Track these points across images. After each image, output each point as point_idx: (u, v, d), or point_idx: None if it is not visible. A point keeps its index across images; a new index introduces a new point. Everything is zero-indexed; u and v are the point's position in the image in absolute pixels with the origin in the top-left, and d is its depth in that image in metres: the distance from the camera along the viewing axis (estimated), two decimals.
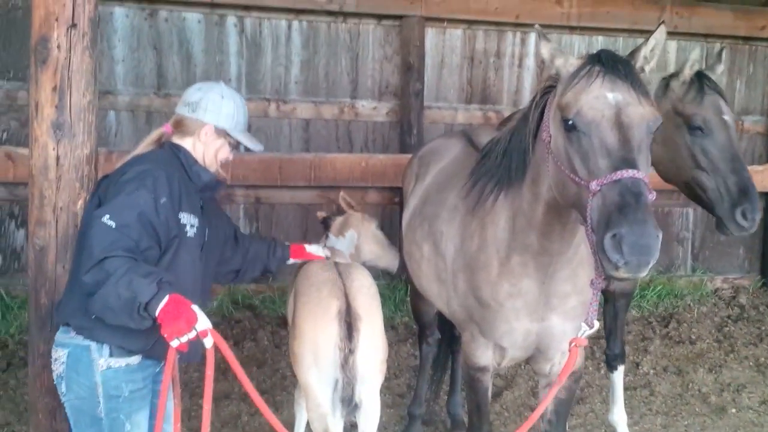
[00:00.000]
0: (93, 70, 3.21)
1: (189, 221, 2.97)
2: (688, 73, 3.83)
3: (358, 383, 3.22)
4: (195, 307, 2.68)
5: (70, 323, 2.85)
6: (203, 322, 2.67)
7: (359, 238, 4.14)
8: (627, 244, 2.32)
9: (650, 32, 2.81)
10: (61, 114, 3.13)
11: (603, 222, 2.42)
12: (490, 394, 3.58)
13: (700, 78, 3.83)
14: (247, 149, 3.35)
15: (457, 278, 3.45)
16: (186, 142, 3.15)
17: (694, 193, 3.86)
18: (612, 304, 4.72)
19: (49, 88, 3.12)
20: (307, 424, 3.86)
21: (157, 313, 2.59)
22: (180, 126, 3.15)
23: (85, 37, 3.16)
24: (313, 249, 3.81)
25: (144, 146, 3.13)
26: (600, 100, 2.56)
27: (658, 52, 2.81)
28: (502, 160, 3.22)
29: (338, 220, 4.16)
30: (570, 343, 2.89)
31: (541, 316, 3.23)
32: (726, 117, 3.77)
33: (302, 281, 3.54)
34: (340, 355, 3.18)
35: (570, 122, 2.59)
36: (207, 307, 2.82)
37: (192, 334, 2.63)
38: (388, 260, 4.22)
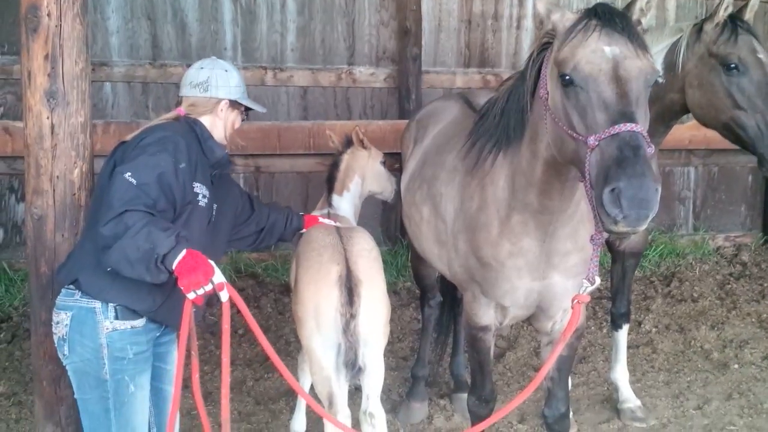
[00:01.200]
0: (84, 37, 3.18)
1: (201, 191, 3.05)
2: (722, 15, 3.84)
3: (360, 347, 3.25)
4: (211, 262, 2.75)
5: (79, 279, 2.88)
6: (219, 276, 2.75)
7: (364, 182, 4.20)
8: (626, 197, 2.30)
9: None
10: (54, 82, 3.11)
11: (601, 177, 2.40)
12: (492, 353, 3.60)
13: (733, 20, 3.84)
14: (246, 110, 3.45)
15: (458, 239, 3.45)
16: (203, 120, 3.22)
17: (734, 133, 3.87)
18: (620, 263, 4.73)
19: (41, 57, 3.09)
20: (311, 388, 3.90)
21: (174, 266, 2.66)
22: (194, 107, 3.23)
23: (75, 4, 3.13)
24: (326, 221, 3.90)
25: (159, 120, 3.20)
26: (597, 54, 2.53)
27: (654, 4, 2.78)
28: (500, 119, 3.19)
29: (340, 173, 4.17)
30: (572, 300, 2.90)
31: (543, 275, 3.23)
32: (761, 55, 3.80)
33: (304, 247, 3.56)
34: (342, 320, 3.21)
35: (567, 77, 2.56)
36: None
37: (209, 287, 2.71)
38: (388, 192, 4.41)
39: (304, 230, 3.81)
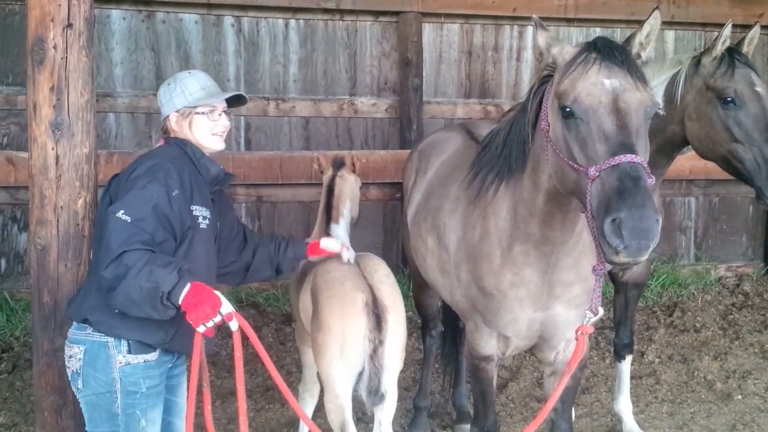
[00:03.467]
0: (90, 69, 3.22)
1: (201, 213, 3.01)
2: (719, 48, 3.84)
3: (384, 373, 3.27)
4: (217, 292, 2.75)
5: (89, 319, 2.87)
6: (227, 306, 2.75)
7: (352, 206, 4.13)
8: (626, 228, 2.32)
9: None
10: (59, 113, 3.14)
11: (602, 207, 2.42)
12: (495, 383, 3.58)
13: (731, 53, 3.84)
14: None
15: (460, 269, 3.45)
16: (189, 138, 3.16)
17: (732, 166, 3.86)
18: (623, 294, 4.71)
19: (47, 88, 3.13)
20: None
21: (180, 301, 2.65)
22: (166, 131, 3.19)
23: (81, 37, 3.16)
24: (328, 243, 3.65)
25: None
26: (597, 86, 2.56)
27: (654, 38, 2.81)
28: (502, 150, 3.22)
29: (335, 199, 4.07)
30: (576, 331, 2.90)
31: (545, 305, 3.24)
32: (758, 89, 3.78)
33: (323, 276, 3.53)
34: (370, 346, 3.24)
35: (568, 109, 2.59)
36: None
37: (217, 318, 2.71)
38: (356, 216, 4.18)
39: (309, 258, 3.65)
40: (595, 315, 2.84)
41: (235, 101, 3.32)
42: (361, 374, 3.26)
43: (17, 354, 5.73)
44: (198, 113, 3.13)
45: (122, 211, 2.73)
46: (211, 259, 3.13)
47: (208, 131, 3.15)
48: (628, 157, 2.42)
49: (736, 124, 3.76)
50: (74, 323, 2.95)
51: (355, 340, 3.25)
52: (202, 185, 3.08)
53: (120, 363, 2.86)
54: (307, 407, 4.08)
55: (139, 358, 2.89)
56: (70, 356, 2.92)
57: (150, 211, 2.76)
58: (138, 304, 2.65)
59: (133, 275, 2.61)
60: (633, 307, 4.77)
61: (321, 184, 6.58)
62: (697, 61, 3.94)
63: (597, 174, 2.45)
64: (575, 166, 2.57)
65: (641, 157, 2.46)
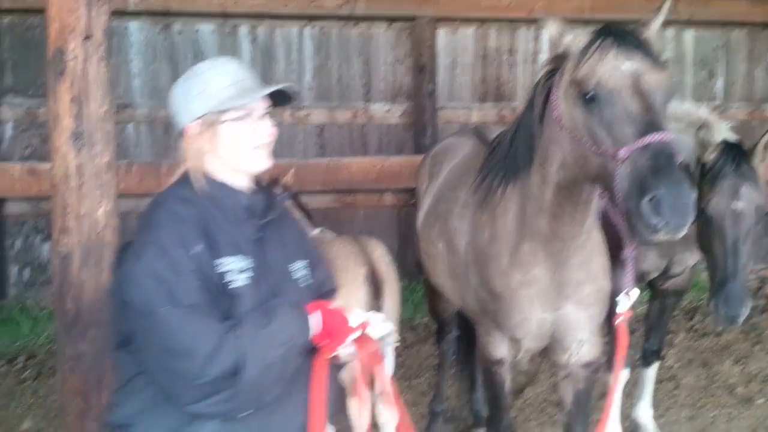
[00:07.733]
0: (108, 79, 3.27)
1: (235, 267, 2.18)
2: (707, 157, 3.59)
3: None
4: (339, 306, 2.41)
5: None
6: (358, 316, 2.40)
7: None
8: (666, 205, 2.32)
9: (666, 22, 2.87)
10: (79, 124, 3.19)
11: (636, 188, 2.40)
12: (508, 387, 3.55)
13: (728, 158, 3.55)
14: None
15: (470, 271, 3.47)
16: (209, 165, 2.29)
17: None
18: (661, 300, 4.67)
19: (67, 99, 3.18)
20: None
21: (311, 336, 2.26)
22: (186, 159, 2.29)
23: (100, 48, 3.22)
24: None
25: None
26: (618, 69, 2.55)
27: (660, 20, 2.87)
28: (509, 149, 3.20)
29: None
30: (615, 320, 3.02)
31: (555, 306, 3.24)
32: (740, 204, 3.50)
33: (328, 253, 3.74)
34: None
35: (589, 95, 2.58)
36: None
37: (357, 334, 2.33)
38: None
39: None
40: (627, 299, 2.88)
41: (279, 97, 2.37)
42: None
43: (41, 361, 5.83)
44: (229, 120, 2.23)
45: (164, 308, 2.04)
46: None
47: (248, 145, 2.25)
48: (658, 136, 2.41)
49: (706, 235, 3.60)
50: None
51: (355, 306, 3.62)
52: (236, 225, 2.26)
53: None
54: None
55: None
56: None
57: (189, 281, 2.08)
58: (281, 373, 2.16)
59: (257, 355, 2.06)
60: (669, 314, 4.73)
61: (336, 191, 6.73)
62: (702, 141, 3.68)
63: (627, 155, 2.44)
64: (599, 150, 2.57)
65: (671, 135, 2.46)
